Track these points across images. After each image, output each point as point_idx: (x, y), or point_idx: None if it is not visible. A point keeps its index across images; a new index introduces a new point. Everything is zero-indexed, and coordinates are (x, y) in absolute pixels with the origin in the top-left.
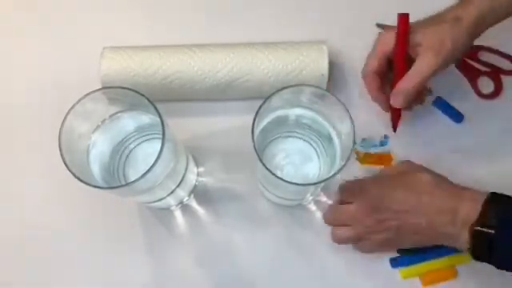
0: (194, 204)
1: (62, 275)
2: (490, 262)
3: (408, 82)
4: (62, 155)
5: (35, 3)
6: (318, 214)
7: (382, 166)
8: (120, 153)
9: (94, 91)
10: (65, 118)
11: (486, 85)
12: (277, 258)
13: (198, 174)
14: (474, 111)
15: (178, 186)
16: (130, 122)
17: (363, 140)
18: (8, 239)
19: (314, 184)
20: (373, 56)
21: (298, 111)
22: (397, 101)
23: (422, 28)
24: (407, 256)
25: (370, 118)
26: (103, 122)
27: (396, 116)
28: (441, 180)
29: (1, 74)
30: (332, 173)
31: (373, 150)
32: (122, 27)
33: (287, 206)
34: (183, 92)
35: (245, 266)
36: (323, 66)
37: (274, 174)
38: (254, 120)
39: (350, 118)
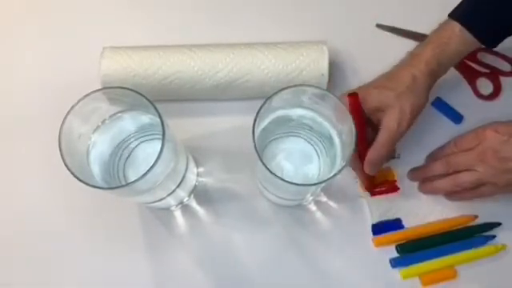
0: (193, 204)
1: (61, 275)
2: None
3: (375, 153)
4: (62, 155)
5: (35, 3)
6: (318, 214)
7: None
8: (120, 153)
9: (94, 91)
10: (65, 118)
11: (485, 86)
12: (277, 258)
13: (198, 174)
14: (473, 112)
15: (178, 186)
16: (130, 122)
17: None
18: (8, 239)
19: (315, 184)
20: None
21: (298, 111)
22: (370, 170)
23: (381, 92)
24: (407, 256)
25: None
26: (103, 122)
27: (370, 180)
28: None
29: (1, 74)
30: (332, 173)
31: None
32: (122, 27)
33: (287, 206)
34: (183, 92)
35: (245, 266)
36: (323, 66)
37: (274, 174)
38: (255, 120)
39: (351, 117)
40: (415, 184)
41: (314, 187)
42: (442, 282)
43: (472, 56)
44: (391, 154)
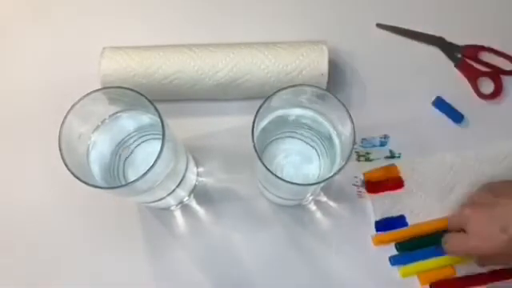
0: (193, 204)
1: (61, 275)
2: None
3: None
4: (62, 155)
5: (35, 3)
6: (318, 214)
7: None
8: (120, 153)
9: (94, 91)
10: (65, 118)
11: (486, 85)
12: (277, 258)
13: (198, 174)
14: (474, 111)
15: (177, 186)
16: (129, 122)
17: (363, 140)
18: (8, 239)
19: (314, 184)
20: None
21: (298, 111)
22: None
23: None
24: (406, 254)
25: (370, 118)
26: (103, 122)
27: None
28: None
29: (1, 74)
30: (332, 173)
31: (374, 150)
32: (122, 27)
33: (287, 205)
34: (183, 92)
35: (245, 266)
36: (323, 66)
37: (274, 174)
38: (254, 120)
39: (350, 117)
40: (419, 180)
41: (313, 187)
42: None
43: (473, 55)
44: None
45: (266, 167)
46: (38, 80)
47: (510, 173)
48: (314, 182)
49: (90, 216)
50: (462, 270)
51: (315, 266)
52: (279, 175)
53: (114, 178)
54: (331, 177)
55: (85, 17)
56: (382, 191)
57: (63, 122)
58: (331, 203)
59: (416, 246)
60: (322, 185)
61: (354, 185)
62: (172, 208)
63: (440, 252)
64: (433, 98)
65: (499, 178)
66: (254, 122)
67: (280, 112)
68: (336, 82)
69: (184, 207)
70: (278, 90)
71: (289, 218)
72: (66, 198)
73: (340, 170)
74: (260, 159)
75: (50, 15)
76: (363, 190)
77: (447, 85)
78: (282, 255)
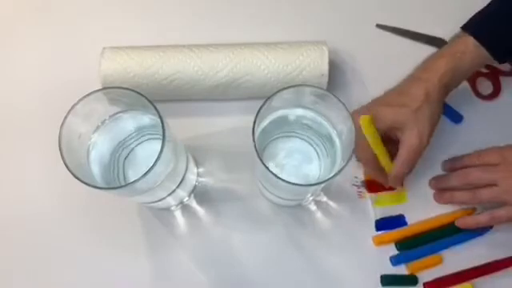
0: (193, 204)
1: (62, 275)
2: None
3: (399, 169)
4: (62, 155)
5: (35, 3)
6: (318, 214)
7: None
8: (120, 153)
9: (94, 91)
10: (65, 118)
11: (485, 86)
12: (277, 258)
13: (198, 174)
14: (473, 112)
15: (178, 186)
16: (130, 122)
17: None
18: (8, 239)
19: (315, 184)
20: (360, 148)
21: (298, 111)
22: (395, 185)
23: (395, 111)
24: (407, 252)
25: None
26: (103, 122)
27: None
28: None
29: (1, 74)
30: (333, 173)
31: None
32: (122, 27)
33: (287, 206)
34: (183, 92)
35: (245, 266)
36: (323, 66)
37: (274, 175)
38: (255, 120)
39: (351, 118)
40: (418, 180)
41: (313, 187)
42: (428, 269)
43: None
44: (414, 167)
45: (266, 167)
46: (38, 80)
47: None
48: (315, 182)
49: (90, 216)
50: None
51: (315, 265)
52: (279, 175)
53: (114, 179)
54: (332, 177)
55: (85, 17)
56: (382, 191)
57: (63, 122)
58: (331, 203)
59: (416, 243)
60: (322, 185)
61: (354, 185)
62: (172, 208)
63: (442, 247)
64: None
65: None
66: (254, 122)
67: (280, 112)
68: (336, 82)
69: (184, 207)
70: (279, 91)
71: (289, 218)
72: (66, 197)
73: (340, 170)
74: (260, 159)
75: (50, 15)
76: (363, 189)
77: None
78: (282, 255)
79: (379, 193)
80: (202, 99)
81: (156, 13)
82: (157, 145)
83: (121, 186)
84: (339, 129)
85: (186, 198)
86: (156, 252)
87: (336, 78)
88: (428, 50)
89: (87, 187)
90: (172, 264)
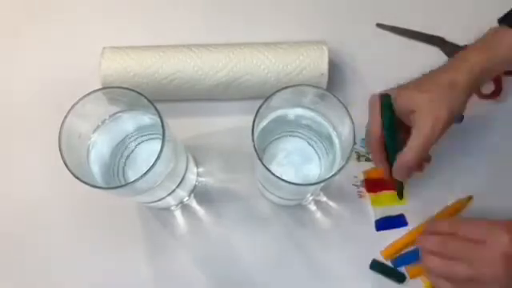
0: (194, 204)
1: (61, 275)
2: None
3: (406, 158)
4: (62, 155)
5: (35, 3)
6: (318, 214)
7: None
8: (120, 153)
9: (94, 91)
10: (65, 118)
11: (486, 85)
12: (277, 258)
13: (198, 174)
14: (474, 111)
15: (177, 186)
16: (130, 122)
17: (363, 140)
18: (8, 239)
19: (314, 184)
20: (374, 123)
21: (298, 111)
22: (400, 175)
23: (413, 93)
24: (409, 254)
25: None
26: (103, 122)
27: (399, 183)
28: None
29: (1, 74)
30: (332, 173)
31: None
32: (122, 27)
33: (287, 205)
34: (183, 92)
35: (245, 266)
36: (323, 66)
37: (273, 174)
38: (254, 120)
39: (350, 117)
40: (418, 180)
41: (313, 187)
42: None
43: None
44: (425, 159)
45: (265, 167)
46: (38, 80)
47: None
48: (314, 182)
49: (90, 216)
50: None
51: (315, 265)
52: (279, 175)
53: (114, 178)
54: (331, 177)
55: (85, 17)
56: (382, 191)
57: (63, 122)
58: (331, 203)
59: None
60: (322, 185)
61: (354, 185)
62: (172, 208)
63: None
64: None
65: None
66: (254, 122)
67: (280, 112)
68: (336, 81)
69: (184, 207)
70: (278, 90)
71: (289, 218)
72: (66, 197)
73: (340, 169)
74: (260, 159)
75: (50, 15)
76: (363, 189)
77: None
78: (282, 255)
79: (379, 192)
80: (202, 99)
81: (156, 13)
82: (157, 145)
83: (121, 186)
84: (339, 129)
85: (186, 198)
86: (156, 252)
87: (336, 77)
88: (428, 50)
89: (87, 187)
90: (172, 264)
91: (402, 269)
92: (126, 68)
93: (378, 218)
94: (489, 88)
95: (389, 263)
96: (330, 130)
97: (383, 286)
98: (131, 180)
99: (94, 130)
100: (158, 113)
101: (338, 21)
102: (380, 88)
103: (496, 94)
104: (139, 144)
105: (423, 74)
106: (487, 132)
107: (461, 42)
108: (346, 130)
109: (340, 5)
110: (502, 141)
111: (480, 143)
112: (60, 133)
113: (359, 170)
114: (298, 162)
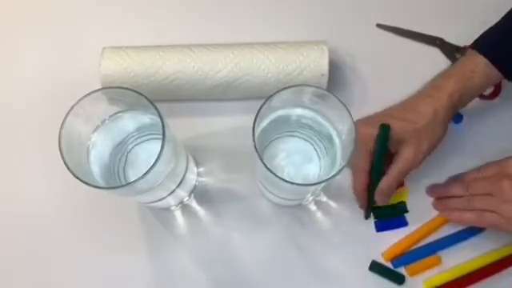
0: (194, 204)
1: (61, 275)
2: None
3: (388, 183)
4: (62, 155)
5: (35, 3)
6: (318, 214)
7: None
8: (120, 153)
9: (94, 91)
10: (65, 118)
11: None
12: (277, 258)
13: (198, 174)
14: (473, 112)
15: (178, 186)
16: (129, 122)
17: None
18: (8, 239)
19: (315, 184)
20: (361, 157)
21: (298, 111)
22: (382, 200)
23: (402, 125)
24: (408, 254)
25: None
26: (103, 122)
27: (369, 206)
28: None
29: (1, 74)
30: (333, 173)
31: None
32: (122, 27)
33: (287, 205)
34: (183, 92)
35: (245, 266)
36: (323, 66)
37: (274, 174)
38: (255, 120)
39: (351, 117)
40: (418, 180)
41: (314, 187)
42: (427, 270)
43: None
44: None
45: (266, 167)
46: (38, 80)
47: None
48: (315, 182)
49: (90, 216)
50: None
51: (315, 265)
52: (279, 175)
53: (114, 178)
54: (332, 177)
55: (85, 17)
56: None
57: (63, 122)
58: (331, 203)
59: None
60: (322, 185)
61: None
62: (172, 208)
63: (437, 248)
64: None
65: None
66: (254, 122)
67: (280, 112)
68: (336, 82)
69: (184, 207)
70: (279, 90)
71: (289, 218)
72: (66, 197)
73: (341, 170)
74: (261, 159)
75: (50, 15)
76: None
77: None
78: (282, 255)
79: None
80: (202, 99)
81: (156, 13)
82: (157, 145)
83: (121, 186)
84: (339, 129)
85: (186, 198)
86: (156, 252)
87: (336, 77)
88: (428, 50)
89: (87, 187)
90: (172, 264)
91: (402, 269)
92: (126, 68)
93: (378, 218)
94: (488, 89)
95: (388, 264)
96: (331, 129)
97: (383, 287)
98: (131, 180)
99: (94, 130)
100: (158, 113)
101: (338, 21)
102: (380, 88)
103: (495, 94)
104: (139, 144)
105: (403, 102)
106: (487, 132)
107: (460, 43)
108: (346, 129)
109: (340, 5)
110: (502, 141)
111: (480, 143)
112: (60, 133)
113: None
114: (298, 161)
